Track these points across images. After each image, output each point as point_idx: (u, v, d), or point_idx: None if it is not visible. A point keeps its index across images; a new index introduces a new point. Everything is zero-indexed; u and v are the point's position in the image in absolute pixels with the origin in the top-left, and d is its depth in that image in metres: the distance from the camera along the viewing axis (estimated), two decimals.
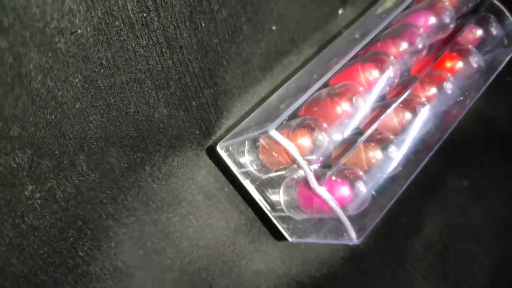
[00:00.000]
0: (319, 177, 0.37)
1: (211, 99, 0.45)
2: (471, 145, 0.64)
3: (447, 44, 0.45)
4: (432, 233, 0.59)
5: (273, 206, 0.44)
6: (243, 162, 0.42)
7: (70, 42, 0.34)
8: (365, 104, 0.37)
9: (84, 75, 0.35)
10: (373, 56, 0.40)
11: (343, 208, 0.38)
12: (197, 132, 0.44)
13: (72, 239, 0.36)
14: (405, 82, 0.43)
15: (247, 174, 0.43)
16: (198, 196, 0.43)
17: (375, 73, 0.40)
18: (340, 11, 0.56)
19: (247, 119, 0.44)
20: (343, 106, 0.38)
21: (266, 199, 0.44)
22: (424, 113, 0.41)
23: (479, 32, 0.48)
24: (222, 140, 0.43)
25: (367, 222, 0.37)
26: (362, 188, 0.37)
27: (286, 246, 0.48)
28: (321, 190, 0.34)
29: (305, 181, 0.37)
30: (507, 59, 0.47)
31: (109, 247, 0.39)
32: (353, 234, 0.35)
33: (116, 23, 0.37)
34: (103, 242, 0.38)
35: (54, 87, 0.34)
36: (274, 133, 0.34)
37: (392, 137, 0.39)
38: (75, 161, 0.36)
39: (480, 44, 0.48)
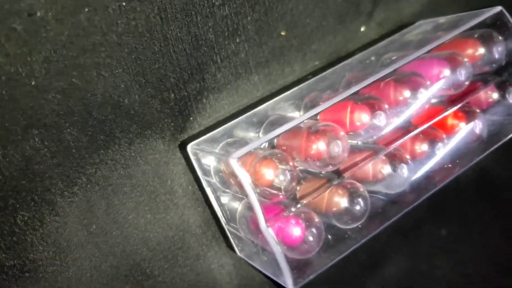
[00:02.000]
0: (276, 211, 0.36)
1: (195, 94, 0.43)
2: (461, 195, 0.62)
3: (456, 101, 0.42)
4: (390, 273, 0.57)
5: (228, 219, 0.42)
6: (208, 170, 0.41)
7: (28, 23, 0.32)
8: (340, 150, 0.35)
9: (44, 55, 0.33)
10: (367, 100, 0.37)
11: (291, 248, 0.36)
12: (172, 124, 0.42)
13: (11, 208, 0.36)
14: (399, 130, 0.41)
15: (209, 183, 0.42)
16: (159, 189, 0.42)
17: (364, 117, 0.37)
18: (362, 29, 0.52)
19: (227, 125, 0.42)
20: (319, 146, 0.36)
21: (223, 211, 0.42)
22: (402, 171, 0.38)
23: (495, 95, 0.44)
24: (194, 142, 0.41)
25: (310, 269, 0.36)
26: (314, 234, 0.36)
27: (235, 257, 0.47)
28: (266, 232, 0.33)
29: None
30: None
31: (53, 221, 0.38)
32: (289, 280, 0.34)
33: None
34: (46, 215, 0.37)
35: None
36: (233, 162, 0.32)
37: (362, 189, 0.37)
38: (28, 134, 0.34)
39: (492, 109, 0.44)
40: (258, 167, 0.35)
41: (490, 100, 0.44)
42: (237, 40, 0.43)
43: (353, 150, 0.39)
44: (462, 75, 0.40)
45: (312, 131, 0.36)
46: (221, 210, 0.42)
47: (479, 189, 0.63)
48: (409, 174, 0.38)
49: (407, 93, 0.39)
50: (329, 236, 0.39)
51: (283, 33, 0.46)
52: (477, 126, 0.42)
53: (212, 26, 0.41)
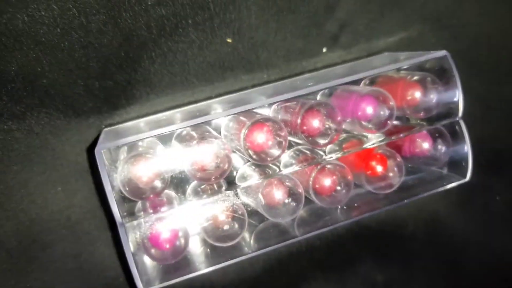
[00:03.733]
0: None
1: (123, 84, 0.44)
2: (408, 244, 0.58)
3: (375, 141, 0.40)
4: None
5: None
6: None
7: None
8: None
9: None
10: (262, 120, 0.36)
11: (157, 247, 0.36)
12: (90, 105, 0.43)
13: None
14: (307, 157, 0.40)
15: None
16: (60, 167, 0.43)
17: (260, 137, 0.37)
18: (324, 49, 0.50)
19: (139, 121, 0.43)
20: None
21: None
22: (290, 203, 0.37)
23: (425, 145, 0.41)
24: (107, 128, 0.43)
25: (169, 276, 0.36)
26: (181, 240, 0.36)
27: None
28: (121, 229, 0.33)
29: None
30: (431, 192, 0.40)
31: None
32: (138, 282, 0.34)
33: None
34: None
35: None
36: (97, 152, 0.33)
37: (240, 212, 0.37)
38: None
39: (419, 158, 0.41)
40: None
41: (418, 149, 0.41)
42: (176, 39, 0.44)
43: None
44: (382, 114, 0.38)
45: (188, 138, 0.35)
46: None
47: (427, 235, 0.59)
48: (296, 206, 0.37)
49: (315, 122, 0.38)
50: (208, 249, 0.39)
51: (229, 40, 0.46)
52: (392, 171, 0.40)
53: (146, 23, 0.42)
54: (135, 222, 0.36)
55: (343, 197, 0.39)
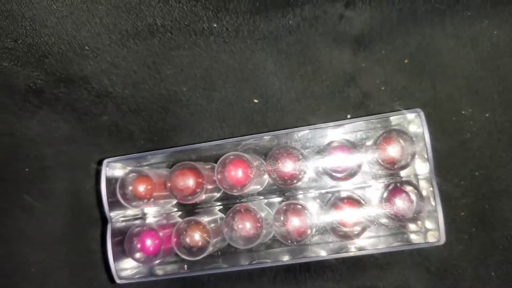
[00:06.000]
0: None
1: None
2: None
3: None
4: None
5: None
6: None
7: None
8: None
9: None
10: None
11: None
12: None
13: None
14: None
15: None
16: None
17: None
18: (348, 116, 0.54)
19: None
20: None
21: None
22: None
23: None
24: None
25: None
26: None
27: None
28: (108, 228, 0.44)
29: None
30: None
31: None
32: (114, 272, 0.43)
33: None
34: None
35: None
36: (104, 165, 0.45)
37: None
38: None
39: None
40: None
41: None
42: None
43: None
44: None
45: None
46: None
47: None
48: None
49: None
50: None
51: (255, 101, 0.54)
52: None
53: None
54: None
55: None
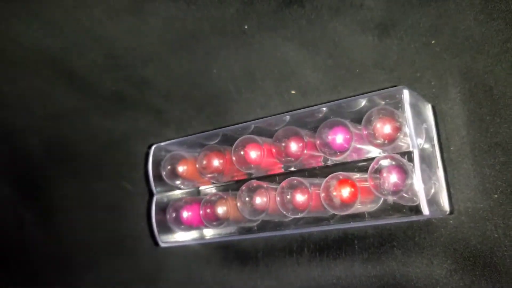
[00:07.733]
0: None
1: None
2: None
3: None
4: None
5: None
6: None
7: None
8: None
9: None
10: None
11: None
12: None
13: None
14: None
15: None
16: None
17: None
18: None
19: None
20: None
21: None
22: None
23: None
24: None
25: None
26: None
27: None
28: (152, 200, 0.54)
29: None
30: None
31: None
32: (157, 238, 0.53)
33: None
34: None
35: None
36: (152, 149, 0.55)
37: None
38: None
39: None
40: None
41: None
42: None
43: None
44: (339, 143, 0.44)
45: None
46: None
47: None
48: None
49: None
50: None
51: (293, 92, 0.59)
52: None
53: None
54: None
55: None
